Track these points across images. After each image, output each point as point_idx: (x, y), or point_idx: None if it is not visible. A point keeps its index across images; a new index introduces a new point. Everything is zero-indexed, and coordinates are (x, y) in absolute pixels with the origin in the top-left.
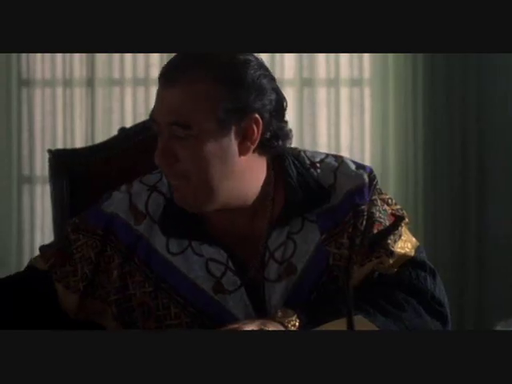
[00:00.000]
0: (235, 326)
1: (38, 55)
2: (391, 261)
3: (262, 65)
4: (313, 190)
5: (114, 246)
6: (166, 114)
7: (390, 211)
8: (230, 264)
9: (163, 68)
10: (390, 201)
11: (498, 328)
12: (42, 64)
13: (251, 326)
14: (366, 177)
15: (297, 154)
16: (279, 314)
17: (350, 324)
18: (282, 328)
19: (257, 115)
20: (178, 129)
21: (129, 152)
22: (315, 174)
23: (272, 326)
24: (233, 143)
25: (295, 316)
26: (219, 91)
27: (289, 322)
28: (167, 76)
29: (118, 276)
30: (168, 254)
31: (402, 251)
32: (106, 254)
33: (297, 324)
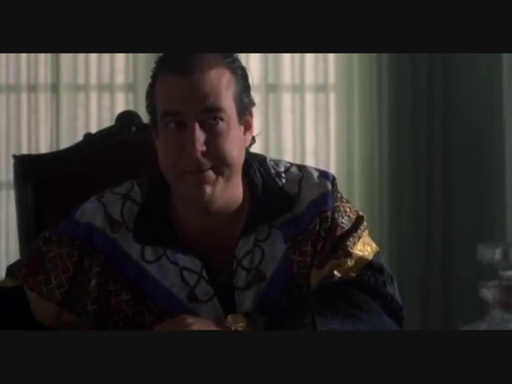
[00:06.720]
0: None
1: (3, 60)
2: (349, 262)
3: None
4: (278, 198)
5: (92, 255)
6: (197, 101)
7: (352, 217)
8: (204, 273)
9: (171, 58)
10: (349, 208)
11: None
12: (6, 69)
13: (195, 326)
14: (329, 184)
15: (262, 161)
16: (229, 319)
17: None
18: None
19: (252, 109)
20: (210, 115)
21: (94, 158)
22: (280, 183)
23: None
24: (242, 135)
25: (244, 323)
26: (237, 81)
27: (236, 329)
28: (185, 63)
29: (97, 285)
30: (143, 261)
31: (361, 253)
32: (84, 265)
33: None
